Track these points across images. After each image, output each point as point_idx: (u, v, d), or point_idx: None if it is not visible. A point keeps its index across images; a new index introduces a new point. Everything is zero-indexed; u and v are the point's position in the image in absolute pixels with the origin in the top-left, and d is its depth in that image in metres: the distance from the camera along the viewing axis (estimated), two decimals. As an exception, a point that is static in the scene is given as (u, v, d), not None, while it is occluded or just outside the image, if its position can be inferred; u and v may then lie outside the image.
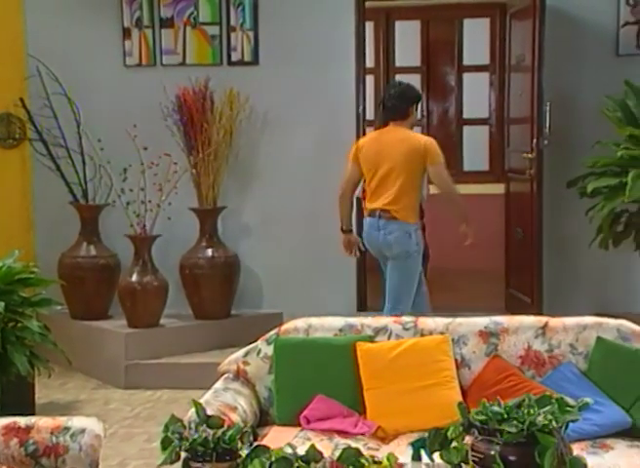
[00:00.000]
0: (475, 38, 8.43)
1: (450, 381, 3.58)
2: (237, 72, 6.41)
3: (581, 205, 5.93)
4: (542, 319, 3.73)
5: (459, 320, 3.80)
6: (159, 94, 6.13)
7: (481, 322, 3.74)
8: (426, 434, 2.70)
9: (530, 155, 6.16)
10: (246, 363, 3.74)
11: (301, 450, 2.56)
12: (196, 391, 4.13)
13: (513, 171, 6.65)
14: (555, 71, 6.15)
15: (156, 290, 5.99)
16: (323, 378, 3.62)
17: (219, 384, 3.67)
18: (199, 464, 2.55)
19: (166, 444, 2.60)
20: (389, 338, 3.72)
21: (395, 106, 5.28)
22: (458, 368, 3.63)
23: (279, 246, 6.50)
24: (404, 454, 2.90)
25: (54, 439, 3.05)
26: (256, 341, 3.81)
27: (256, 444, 2.62)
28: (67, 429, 3.07)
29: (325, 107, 6.42)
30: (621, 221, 5.85)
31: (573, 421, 2.53)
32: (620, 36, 6.29)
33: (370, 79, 7.57)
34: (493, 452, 2.46)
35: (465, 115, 8.89)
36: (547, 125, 6.05)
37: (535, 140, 6.08)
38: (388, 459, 2.58)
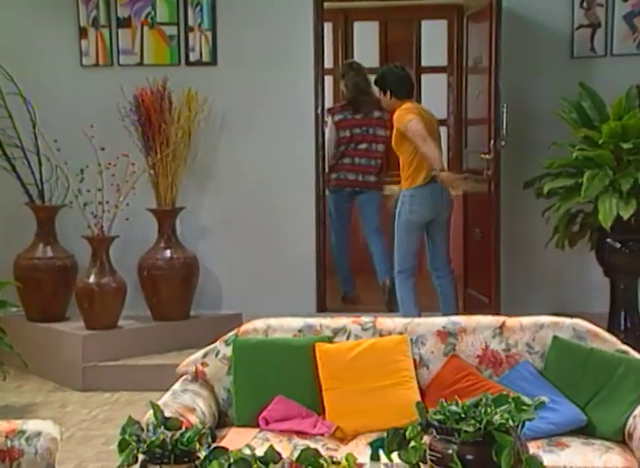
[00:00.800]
0: (433, 40, 8.47)
1: (408, 381, 3.60)
2: (195, 72, 6.39)
3: (538, 205, 6.00)
4: (500, 319, 3.76)
5: (417, 320, 3.83)
6: (116, 94, 6.08)
7: (439, 322, 3.76)
8: (385, 434, 2.71)
9: (487, 156, 6.21)
10: (204, 364, 3.73)
11: (260, 451, 2.56)
12: (154, 393, 4.11)
13: (471, 171, 6.70)
14: (511, 73, 6.21)
15: (114, 291, 5.95)
16: (282, 379, 3.62)
17: (177, 386, 3.66)
18: (157, 466, 2.54)
19: (123, 446, 2.58)
20: (348, 339, 3.73)
21: (412, 85, 6.09)
22: (416, 367, 3.64)
23: (238, 246, 6.49)
24: (363, 454, 2.91)
25: (8, 443, 3.01)
26: (214, 342, 3.80)
27: (214, 445, 2.61)
28: (22, 432, 3.03)
29: (283, 108, 6.42)
30: (577, 222, 5.92)
31: (529, 420, 2.56)
32: (574, 38, 6.37)
33: (329, 80, 7.58)
34: (450, 452, 2.48)
35: (424, 116, 8.92)
36: (504, 126, 6.10)
37: (492, 141, 6.13)
38: (347, 460, 2.59)
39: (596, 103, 5.81)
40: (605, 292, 5.89)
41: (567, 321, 3.71)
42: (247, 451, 2.53)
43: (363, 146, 6.88)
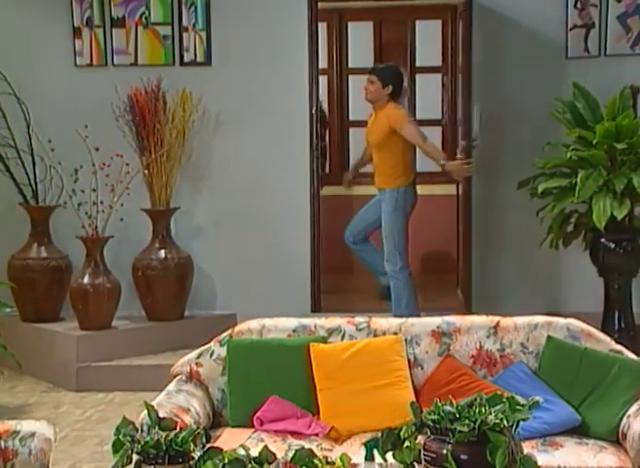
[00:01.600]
0: (427, 40, 8.47)
1: (403, 381, 3.60)
2: (189, 73, 6.38)
3: (532, 205, 6.00)
4: (494, 318, 3.77)
5: (411, 320, 3.83)
6: (111, 94, 6.08)
7: (433, 322, 3.76)
8: (379, 434, 2.71)
9: (459, 156, 6.26)
10: (199, 364, 3.73)
11: (255, 452, 2.56)
12: (149, 393, 4.11)
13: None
14: (506, 73, 6.22)
15: (108, 291, 5.94)
16: (276, 379, 3.61)
17: (171, 386, 3.65)
18: (151, 467, 2.54)
19: (118, 447, 2.58)
20: (343, 339, 3.73)
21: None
22: (410, 367, 3.65)
23: (233, 247, 6.49)
24: (357, 455, 2.91)
25: (2, 443, 3.00)
26: (209, 343, 3.80)
27: (208, 445, 2.61)
28: (16, 433, 3.03)
29: (278, 108, 6.42)
30: (571, 222, 5.92)
31: (523, 420, 2.56)
32: (568, 39, 6.39)
33: (323, 80, 7.58)
34: (445, 452, 2.49)
35: (418, 116, 8.90)
36: (478, 126, 6.18)
37: (464, 142, 6.18)
38: (341, 460, 2.59)
39: (590, 104, 5.82)
40: (599, 292, 5.89)
41: (561, 321, 3.72)
42: (241, 452, 2.54)
43: None
